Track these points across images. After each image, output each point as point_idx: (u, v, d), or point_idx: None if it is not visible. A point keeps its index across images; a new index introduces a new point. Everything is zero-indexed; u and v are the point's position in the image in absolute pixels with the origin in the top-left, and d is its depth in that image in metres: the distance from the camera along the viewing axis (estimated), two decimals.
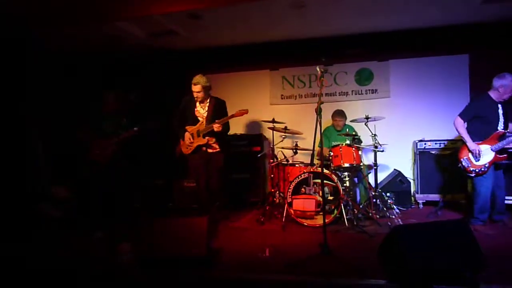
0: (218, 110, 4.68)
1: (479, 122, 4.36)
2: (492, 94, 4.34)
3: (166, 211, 5.24)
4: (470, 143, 4.34)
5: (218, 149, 4.75)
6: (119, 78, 6.30)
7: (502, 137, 4.24)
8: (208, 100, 4.75)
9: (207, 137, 4.66)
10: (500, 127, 4.29)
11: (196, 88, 4.56)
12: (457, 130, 4.46)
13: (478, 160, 4.31)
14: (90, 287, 3.25)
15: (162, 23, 5.14)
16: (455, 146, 5.51)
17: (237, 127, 6.65)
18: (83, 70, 6.49)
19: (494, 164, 4.31)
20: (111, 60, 6.55)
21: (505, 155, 4.26)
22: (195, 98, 4.69)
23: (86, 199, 5.15)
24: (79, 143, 4.88)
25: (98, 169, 4.92)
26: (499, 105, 4.30)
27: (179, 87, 6.70)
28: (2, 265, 3.51)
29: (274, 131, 5.59)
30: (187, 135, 4.73)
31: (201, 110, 4.77)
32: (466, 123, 4.45)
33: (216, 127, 4.50)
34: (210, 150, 4.73)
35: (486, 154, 4.28)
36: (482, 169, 4.28)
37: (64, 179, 5.97)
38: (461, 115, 4.44)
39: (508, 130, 4.30)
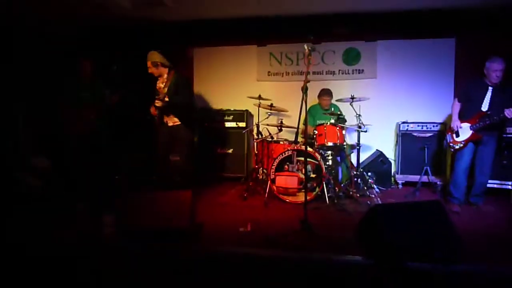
0: (176, 86, 4.67)
1: (468, 103, 4.56)
2: (485, 77, 4.45)
3: (150, 184, 5.26)
4: (452, 121, 4.61)
5: (178, 122, 4.76)
6: (102, 48, 6.17)
7: (483, 117, 4.36)
8: (167, 76, 4.74)
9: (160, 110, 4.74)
10: (484, 108, 4.39)
11: (148, 64, 4.67)
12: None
13: (458, 136, 4.53)
14: (74, 259, 3.28)
15: None
16: (437, 129, 5.63)
17: (222, 102, 6.63)
18: (65, 39, 6.33)
19: (474, 143, 4.48)
20: (94, 30, 6.39)
21: (480, 135, 4.41)
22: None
23: (67, 170, 5.12)
24: (59, 114, 4.80)
25: (78, 139, 4.86)
26: (490, 88, 4.37)
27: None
28: None
29: (260, 108, 5.59)
30: (152, 109, 4.75)
31: (161, 85, 4.78)
32: (460, 104, 4.62)
33: (156, 102, 4.60)
34: (170, 124, 4.75)
35: (465, 132, 4.48)
36: (459, 145, 4.52)
37: (44, 149, 5.91)
38: (456, 96, 4.74)
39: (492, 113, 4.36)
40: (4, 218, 4.08)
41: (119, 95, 4.88)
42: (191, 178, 4.77)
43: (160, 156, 4.80)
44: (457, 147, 4.55)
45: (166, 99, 4.62)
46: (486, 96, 4.37)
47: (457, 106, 4.63)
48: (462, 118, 4.57)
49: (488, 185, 4.95)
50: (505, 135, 4.82)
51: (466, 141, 4.48)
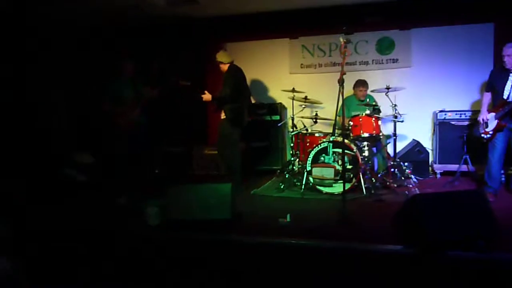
0: (224, 79, 4.91)
1: (494, 92, 4.52)
2: (505, 63, 4.38)
3: (188, 177, 5.45)
4: (480, 112, 4.63)
5: (223, 117, 4.92)
6: (140, 48, 6.40)
7: (505, 104, 4.32)
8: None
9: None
10: (505, 96, 4.32)
11: (222, 67, 5.01)
12: None
13: (487, 127, 4.50)
14: (123, 248, 3.48)
15: None
16: (475, 117, 5.51)
17: (257, 95, 6.73)
18: (106, 41, 6.59)
19: (504, 132, 4.41)
20: (132, 30, 6.62)
21: (504, 124, 4.36)
22: None
23: (111, 165, 5.37)
24: (104, 114, 5.04)
25: (122, 135, 5.10)
26: (511, 75, 4.29)
27: (199, 55, 6.78)
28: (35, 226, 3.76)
29: (294, 100, 5.65)
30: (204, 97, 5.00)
31: None
32: (489, 93, 4.58)
33: (205, 96, 4.88)
34: (221, 117, 4.96)
35: (491, 121, 4.46)
36: (488, 135, 4.49)
37: (90, 147, 6.23)
38: (486, 87, 4.66)
39: None
40: (51, 211, 4.34)
41: (159, 90, 5.08)
42: (233, 172, 4.92)
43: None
44: (486, 137, 4.52)
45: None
46: (507, 84, 4.30)
47: (486, 97, 4.63)
48: (492, 107, 4.53)
49: None
50: None
51: (494, 131, 4.43)
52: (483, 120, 4.55)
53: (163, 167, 6.19)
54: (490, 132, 4.48)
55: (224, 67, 4.96)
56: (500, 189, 4.69)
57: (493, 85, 4.51)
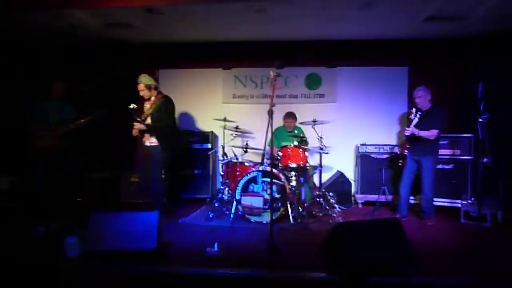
0: (160, 109, 4.75)
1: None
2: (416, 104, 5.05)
3: (114, 205, 5.20)
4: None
5: (156, 143, 4.80)
6: (72, 67, 6.11)
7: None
8: (154, 98, 4.82)
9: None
10: (407, 129, 4.87)
11: (139, 87, 4.78)
12: None
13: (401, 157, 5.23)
14: (34, 282, 3.20)
15: (118, 15, 5.07)
16: (392, 151, 5.96)
17: (188, 123, 6.69)
18: (35, 58, 6.21)
19: (412, 163, 5.08)
20: (65, 49, 6.32)
21: (405, 153, 5.11)
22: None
23: (29, 191, 4.98)
24: (24, 132, 4.71)
25: (42, 160, 4.77)
26: (419, 113, 4.80)
27: (132, 79, 6.62)
28: None
29: (226, 130, 5.71)
30: (134, 131, 4.77)
31: (147, 107, 4.83)
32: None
33: (136, 125, 4.69)
34: (148, 144, 4.79)
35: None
36: (400, 164, 5.20)
37: (7, 170, 5.71)
38: None
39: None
40: None
41: (89, 118, 4.86)
42: (159, 199, 4.77)
43: (139, 177, 4.81)
44: (400, 165, 5.19)
45: (149, 120, 4.66)
46: (414, 121, 4.81)
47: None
48: None
49: (440, 203, 5.40)
50: (440, 157, 5.23)
51: (403, 160, 5.12)
52: (399, 151, 5.19)
53: (87, 195, 5.85)
54: (401, 161, 5.15)
55: (151, 93, 4.82)
56: (410, 215, 5.26)
57: (408, 122, 5.01)
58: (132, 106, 4.70)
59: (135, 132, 4.70)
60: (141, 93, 4.77)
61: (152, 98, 4.82)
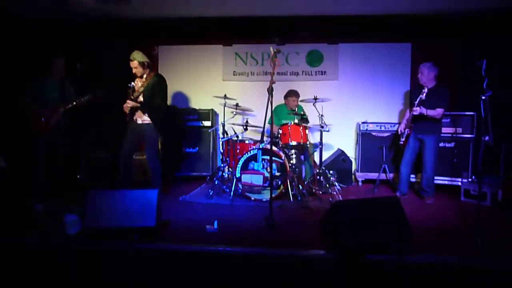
0: (154, 88, 4.68)
1: (410, 106, 5.05)
2: (418, 79, 4.99)
3: (113, 183, 5.20)
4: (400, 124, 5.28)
5: (149, 121, 4.76)
6: (66, 45, 6.03)
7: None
8: (146, 76, 4.75)
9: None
10: (415, 108, 4.80)
11: (133, 64, 4.65)
12: None
13: (403, 137, 5.14)
14: (37, 261, 3.23)
15: None
16: (394, 129, 5.92)
17: (188, 101, 6.64)
18: (28, 36, 6.12)
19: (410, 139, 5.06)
20: (58, 27, 6.22)
21: (409, 131, 5.05)
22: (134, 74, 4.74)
23: (27, 170, 4.97)
24: (23, 111, 4.66)
25: (41, 138, 4.75)
26: (424, 90, 4.72)
27: (127, 57, 6.54)
28: None
29: (226, 107, 5.67)
30: (125, 107, 4.71)
31: (139, 84, 4.76)
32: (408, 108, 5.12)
33: (128, 102, 4.60)
34: (140, 121, 4.75)
35: (405, 131, 5.10)
36: (401, 142, 5.15)
37: (4, 148, 5.72)
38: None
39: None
40: None
41: (90, 96, 4.79)
42: (157, 177, 4.77)
43: (124, 153, 4.76)
44: (401, 143, 5.15)
45: (141, 98, 4.61)
46: (418, 98, 4.76)
47: (407, 111, 5.15)
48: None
49: (440, 182, 5.39)
50: (442, 135, 5.14)
51: (406, 138, 5.08)
52: (400, 130, 5.09)
53: (87, 173, 5.86)
54: (402, 140, 5.09)
55: (146, 71, 4.74)
56: (410, 194, 5.27)
57: (411, 100, 4.97)
58: (132, 84, 4.63)
59: (126, 108, 4.64)
60: (134, 70, 4.68)
61: (145, 76, 4.74)
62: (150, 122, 4.70)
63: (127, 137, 4.72)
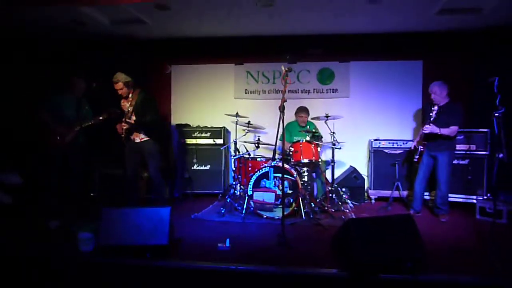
0: (142, 105, 4.75)
1: (423, 123, 5.05)
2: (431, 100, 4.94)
3: (126, 201, 5.24)
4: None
5: (147, 138, 4.83)
6: (81, 64, 6.19)
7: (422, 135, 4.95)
8: (132, 95, 4.82)
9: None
10: (426, 126, 4.78)
11: (118, 86, 4.71)
12: None
13: (417, 153, 5.08)
14: (51, 277, 3.26)
15: (127, 11, 5.10)
16: (407, 146, 5.88)
17: (200, 119, 6.72)
18: (45, 55, 6.30)
19: (429, 158, 4.98)
20: (74, 46, 6.41)
21: (422, 149, 5.00)
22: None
23: (41, 186, 5.06)
24: (39, 126, 4.77)
25: (55, 154, 4.84)
26: (435, 108, 4.75)
27: (141, 76, 6.68)
28: None
29: (237, 125, 5.72)
30: (119, 126, 4.79)
31: (127, 104, 4.84)
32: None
33: (123, 124, 4.69)
34: (137, 140, 4.82)
35: (419, 149, 5.06)
36: (415, 159, 5.10)
37: (18, 165, 5.82)
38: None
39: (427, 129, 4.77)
40: None
41: (106, 115, 4.90)
42: (162, 192, 4.83)
43: (128, 174, 4.85)
44: (415, 160, 5.09)
45: (133, 118, 4.69)
46: (431, 116, 4.75)
47: (421, 128, 5.04)
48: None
49: (454, 199, 5.31)
50: (455, 152, 5.10)
51: (419, 156, 5.01)
52: (414, 146, 5.08)
53: (101, 189, 5.93)
54: (417, 157, 5.03)
55: (129, 90, 4.77)
56: (424, 212, 5.20)
57: (424, 118, 4.98)
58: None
59: (120, 129, 4.71)
60: (120, 92, 4.72)
61: (130, 95, 4.81)
62: (148, 138, 4.78)
63: (128, 157, 4.81)
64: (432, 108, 4.70)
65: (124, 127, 4.66)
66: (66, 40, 6.29)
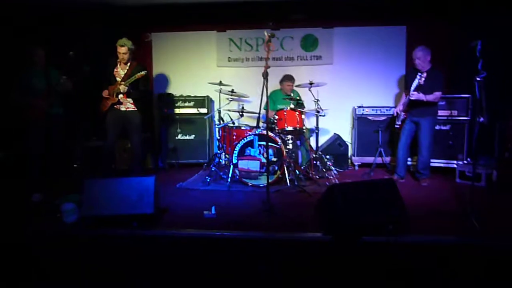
0: (136, 73, 4.68)
1: (406, 89, 5.05)
2: (415, 65, 4.93)
3: (110, 172, 5.20)
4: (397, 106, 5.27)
5: (133, 108, 4.79)
6: (57, 33, 5.95)
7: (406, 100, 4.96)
8: (129, 64, 4.77)
9: (120, 95, 4.74)
10: (411, 91, 4.78)
11: (122, 50, 4.67)
12: None
13: (398, 120, 5.13)
14: (39, 251, 3.24)
15: None
16: (389, 113, 5.92)
17: (183, 88, 6.61)
18: (18, 24, 6.01)
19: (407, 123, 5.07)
20: (48, 15, 6.12)
21: (406, 115, 5.04)
22: (120, 59, 4.75)
23: (23, 159, 4.95)
24: (14, 105, 4.64)
25: (35, 127, 4.72)
26: (418, 74, 4.72)
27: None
28: None
29: (221, 94, 5.65)
30: (105, 92, 4.74)
31: (121, 71, 4.77)
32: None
33: (122, 87, 4.63)
34: (123, 108, 4.77)
35: (401, 114, 5.09)
36: (397, 126, 5.16)
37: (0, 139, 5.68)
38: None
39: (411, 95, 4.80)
40: None
41: (74, 80, 4.78)
42: (143, 163, 4.83)
43: (109, 144, 4.82)
44: (397, 127, 5.15)
45: (124, 86, 4.62)
46: (414, 82, 4.76)
47: (403, 95, 5.13)
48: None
49: (436, 164, 5.41)
50: (438, 117, 5.18)
51: (402, 122, 5.07)
52: (397, 113, 5.09)
53: (83, 161, 5.85)
54: (398, 123, 5.08)
55: (130, 57, 4.73)
56: (406, 177, 5.29)
57: (407, 84, 4.98)
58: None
59: (111, 91, 4.65)
60: (122, 56, 4.69)
61: (129, 64, 4.75)
62: (135, 109, 4.73)
63: (111, 127, 4.76)
64: (420, 75, 4.68)
65: (119, 88, 4.61)
66: (37, 9, 6.00)
